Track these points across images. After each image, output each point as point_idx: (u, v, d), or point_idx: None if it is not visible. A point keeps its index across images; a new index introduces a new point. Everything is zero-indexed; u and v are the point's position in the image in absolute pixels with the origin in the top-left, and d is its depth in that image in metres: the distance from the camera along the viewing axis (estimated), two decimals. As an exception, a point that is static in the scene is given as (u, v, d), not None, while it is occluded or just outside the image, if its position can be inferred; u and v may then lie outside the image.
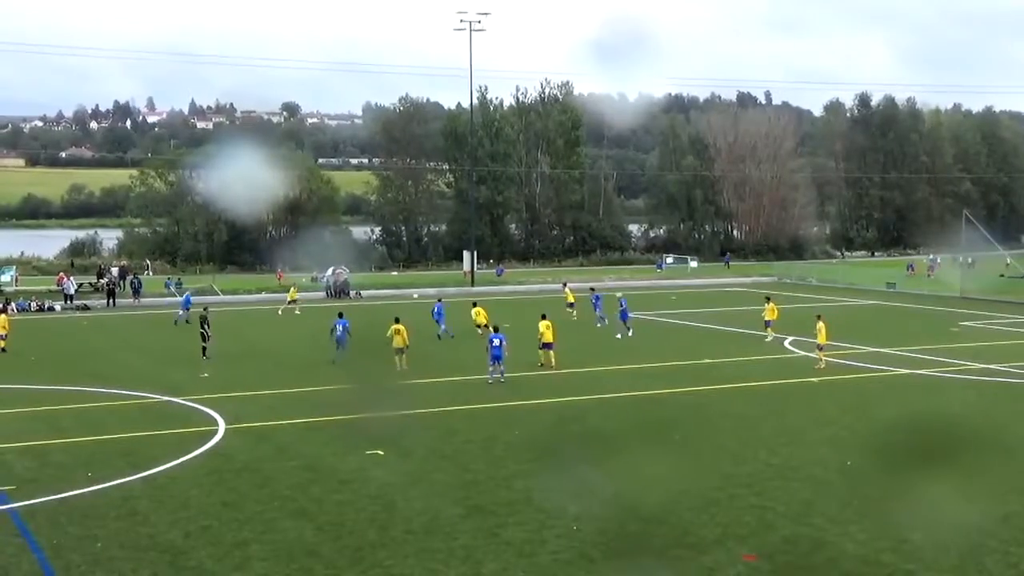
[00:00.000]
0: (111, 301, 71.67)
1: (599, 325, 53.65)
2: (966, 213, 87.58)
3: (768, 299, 52.57)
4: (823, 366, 41.53)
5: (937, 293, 77.02)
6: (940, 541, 19.89)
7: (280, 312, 64.12)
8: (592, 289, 61.83)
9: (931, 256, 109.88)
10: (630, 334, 50.75)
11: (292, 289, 69.76)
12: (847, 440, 28.55)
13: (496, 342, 37.35)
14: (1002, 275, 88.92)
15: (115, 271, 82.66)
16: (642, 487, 23.64)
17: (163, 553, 19.51)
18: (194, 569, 18.77)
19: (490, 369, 37.69)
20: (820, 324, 42.47)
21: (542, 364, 40.60)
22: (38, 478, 24.90)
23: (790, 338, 49.46)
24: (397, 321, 40.92)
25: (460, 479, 24.53)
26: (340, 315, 43.85)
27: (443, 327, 50.35)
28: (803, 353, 45.39)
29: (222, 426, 30.71)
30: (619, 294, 53.85)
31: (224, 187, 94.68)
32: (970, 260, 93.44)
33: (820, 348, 42.36)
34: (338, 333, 42.49)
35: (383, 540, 20.18)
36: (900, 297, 76.24)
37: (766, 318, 50.52)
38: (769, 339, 49.25)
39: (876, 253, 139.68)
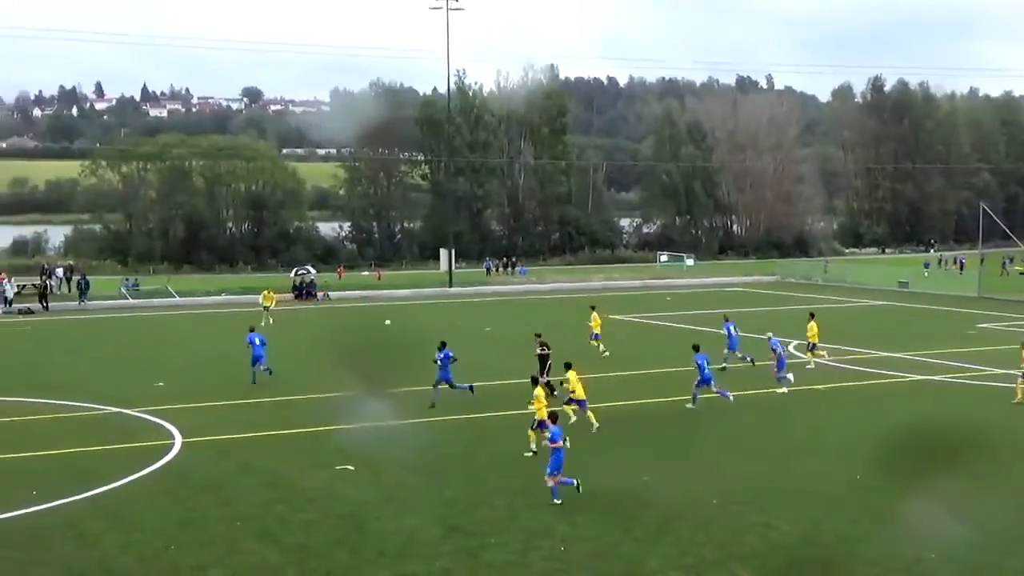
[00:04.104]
0: (43, 303, 70.98)
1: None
2: (983, 206, 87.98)
3: (593, 308, 49.27)
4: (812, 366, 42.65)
5: (953, 293, 77.38)
6: (958, 560, 19.98)
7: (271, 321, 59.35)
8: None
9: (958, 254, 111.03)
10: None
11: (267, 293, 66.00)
12: (856, 452, 28.60)
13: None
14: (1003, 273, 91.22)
15: (60, 271, 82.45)
16: (635, 505, 23.65)
17: (115, 579, 19.48)
18: (148, 596, 18.73)
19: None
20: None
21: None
22: (-23, 498, 24.79)
23: (794, 343, 49.56)
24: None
25: (438, 496, 24.52)
26: (251, 329, 42.50)
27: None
28: (807, 358, 45.49)
29: (178, 440, 30.61)
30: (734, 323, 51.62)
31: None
32: (1011, 260, 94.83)
33: (812, 348, 43.60)
34: (256, 348, 40.29)
35: (354, 563, 20.16)
36: (913, 297, 76.55)
37: (593, 330, 47.84)
38: (606, 354, 46.76)
39: (887, 250, 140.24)
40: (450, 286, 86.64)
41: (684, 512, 23.13)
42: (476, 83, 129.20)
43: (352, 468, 26.89)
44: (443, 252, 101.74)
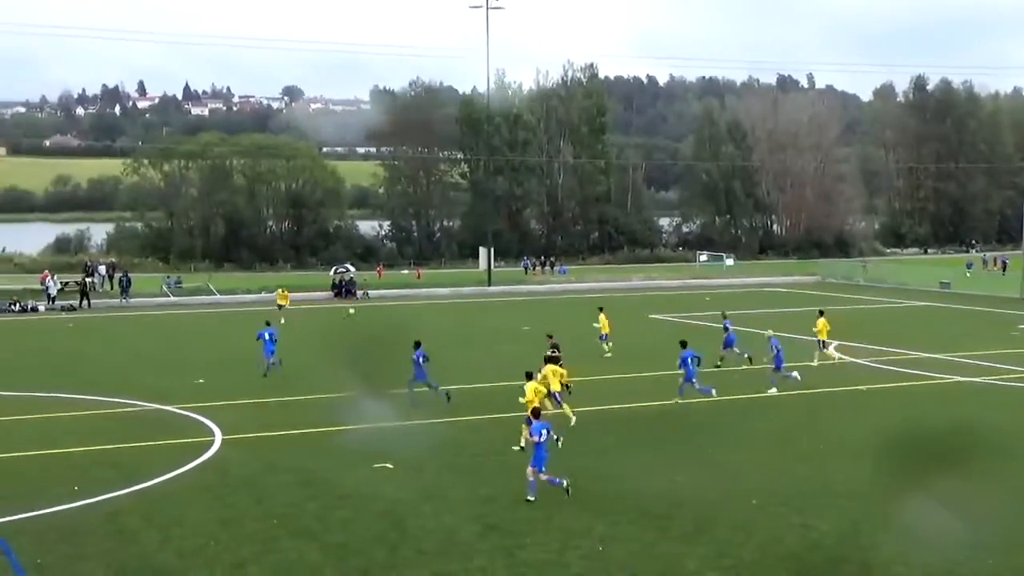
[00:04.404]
0: (84, 301, 71.62)
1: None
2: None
3: (600, 309, 49.39)
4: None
5: (995, 294, 76.78)
6: (997, 564, 19.83)
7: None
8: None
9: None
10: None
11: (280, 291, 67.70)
12: (896, 454, 28.39)
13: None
14: None
15: (103, 268, 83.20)
16: (673, 505, 23.61)
17: (154, 574, 19.62)
18: (188, 591, 18.86)
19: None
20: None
21: None
22: (21, 491, 25.02)
23: (835, 343, 49.27)
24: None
25: (475, 495, 24.54)
26: (267, 323, 43.55)
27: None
28: (849, 359, 45.27)
29: (218, 437, 30.80)
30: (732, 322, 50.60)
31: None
32: None
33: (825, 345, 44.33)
34: (267, 343, 41.65)
35: (392, 561, 20.21)
36: (955, 298, 75.94)
37: (601, 331, 47.86)
38: (608, 354, 46.89)
39: (930, 250, 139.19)
40: (489, 285, 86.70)
41: (722, 512, 23.06)
42: (515, 82, 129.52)
43: (390, 466, 26.96)
44: (482, 251, 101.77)
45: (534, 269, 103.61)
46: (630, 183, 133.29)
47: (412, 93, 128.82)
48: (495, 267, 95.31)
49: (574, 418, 31.58)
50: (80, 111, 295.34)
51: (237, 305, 73.15)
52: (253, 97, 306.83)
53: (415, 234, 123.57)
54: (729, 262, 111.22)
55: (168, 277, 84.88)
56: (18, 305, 69.07)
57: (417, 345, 35.44)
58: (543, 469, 23.91)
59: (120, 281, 76.16)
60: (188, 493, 24.96)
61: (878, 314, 66.92)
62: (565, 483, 23.75)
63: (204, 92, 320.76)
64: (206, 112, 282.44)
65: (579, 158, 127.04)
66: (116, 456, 28.79)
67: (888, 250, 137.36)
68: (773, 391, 37.83)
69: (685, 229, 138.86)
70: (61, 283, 74.17)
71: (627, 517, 22.72)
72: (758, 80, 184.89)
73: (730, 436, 31.24)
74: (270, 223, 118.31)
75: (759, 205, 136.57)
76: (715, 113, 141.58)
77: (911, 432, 31.44)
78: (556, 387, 32.37)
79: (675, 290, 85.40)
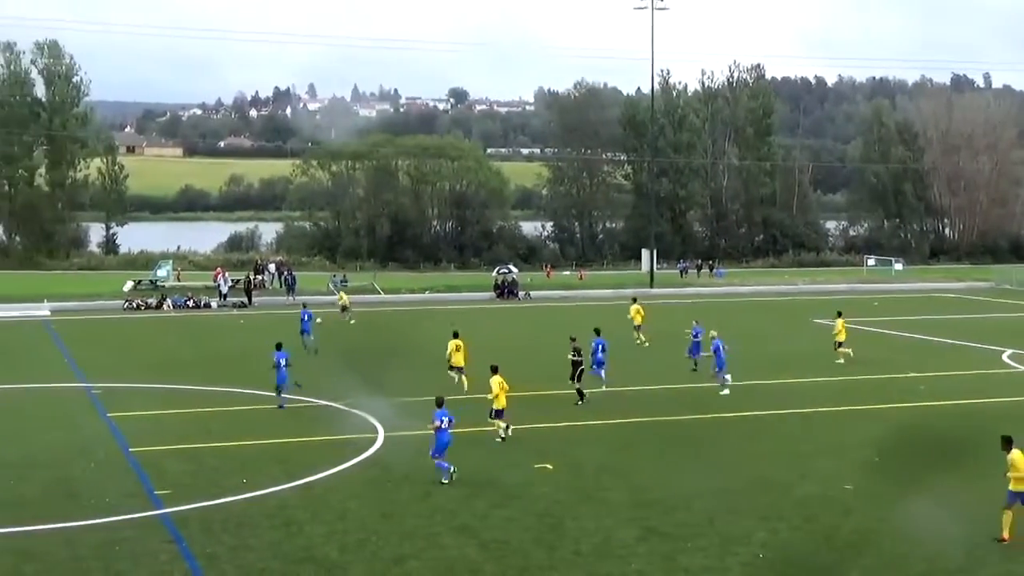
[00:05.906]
0: (248, 298, 73.40)
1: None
2: None
3: (635, 300, 53.00)
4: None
5: None
6: None
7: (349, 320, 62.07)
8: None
9: None
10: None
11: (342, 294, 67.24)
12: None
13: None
14: None
15: (272, 266, 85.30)
16: (837, 514, 23.18)
17: (318, 567, 20.03)
18: (350, 585, 19.18)
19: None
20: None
21: None
22: (192, 483, 25.85)
23: (1009, 351, 47.76)
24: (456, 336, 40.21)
25: (634, 498, 24.48)
26: (304, 306, 51.29)
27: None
28: (1021, 368, 43.77)
29: (381, 434, 31.30)
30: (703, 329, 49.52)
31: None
32: None
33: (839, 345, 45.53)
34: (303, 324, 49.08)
35: (551, 561, 20.28)
36: None
37: (635, 322, 51.35)
38: (643, 343, 50.75)
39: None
40: (651, 287, 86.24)
41: (885, 522, 22.56)
42: (680, 83, 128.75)
43: (550, 467, 27.05)
44: (644, 252, 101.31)
45: (686, 272, 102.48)
46: (796, 185, 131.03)
47: (576, 94, 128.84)
48: (657, 269, 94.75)
49: (506, 433, 30.56)
50: (253, 113, 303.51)
51: (401, 304, 74.16)
52: (419, 99, 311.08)
53: (578, 235, 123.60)
54: (898, 267, 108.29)
55: (334, 276, 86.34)
56: (193, 301, 71.41)
57: (279, 347, 36.74)
58: (441, 455, 25.68)
59: (285, 279, 78.02)
60: (352, 488, 25.42)
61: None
62: (452, 469, 25.54)
63: (372, 94, 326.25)
64: (373, 114, 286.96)
65: (744, 160, 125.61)
66: (283, 451, 29.49)
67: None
68: (726, 392, 37.46)
69: (852, 233, 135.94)
70: (232, 280, 76.31)
71: (789, 524, 22.41)
72: (931, 80, 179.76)
73: (905, 444, 30.40)
74: (434, 223, 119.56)
75: (930, 209, 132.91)
76: (885, 114, 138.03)
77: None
78: (502, 403, 30.64)
79: (842, 295, 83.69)
